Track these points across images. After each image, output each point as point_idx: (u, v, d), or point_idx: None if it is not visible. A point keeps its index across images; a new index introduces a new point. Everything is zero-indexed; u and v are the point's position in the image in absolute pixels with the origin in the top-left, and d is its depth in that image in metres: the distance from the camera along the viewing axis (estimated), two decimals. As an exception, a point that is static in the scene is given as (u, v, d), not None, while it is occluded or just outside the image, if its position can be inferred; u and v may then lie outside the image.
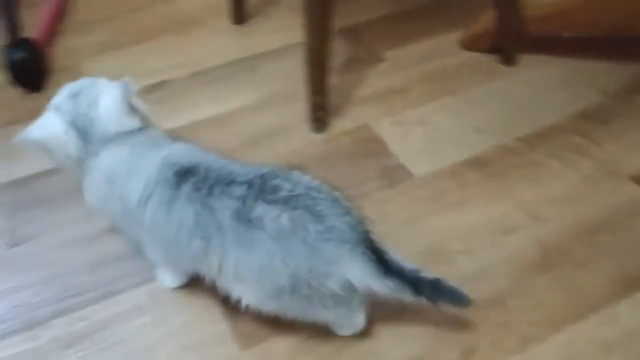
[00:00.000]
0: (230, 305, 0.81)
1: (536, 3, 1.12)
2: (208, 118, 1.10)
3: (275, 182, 0.69)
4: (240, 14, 1.31)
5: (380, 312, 0.79)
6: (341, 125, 1.07)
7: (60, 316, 0.82)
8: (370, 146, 1.04)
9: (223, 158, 0.74)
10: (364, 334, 0.78)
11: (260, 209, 0.66)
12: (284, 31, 1.30)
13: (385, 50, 1.24)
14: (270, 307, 0.71)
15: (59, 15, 1.38)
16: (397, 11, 1.35)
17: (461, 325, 0.79)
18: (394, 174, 0.98)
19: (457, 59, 1.21)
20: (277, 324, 0.79)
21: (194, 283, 0.83)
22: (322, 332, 0.78)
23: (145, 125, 0.78)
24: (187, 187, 0.69)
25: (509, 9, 1.11)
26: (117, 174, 0.74)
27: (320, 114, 1.04)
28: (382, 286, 0.67)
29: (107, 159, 0.75)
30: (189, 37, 1.31)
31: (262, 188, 0.68)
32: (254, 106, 1.13)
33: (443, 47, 1.24)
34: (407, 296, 0.68)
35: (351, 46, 1.24)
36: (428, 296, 0.69)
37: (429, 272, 0.70)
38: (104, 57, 1.26)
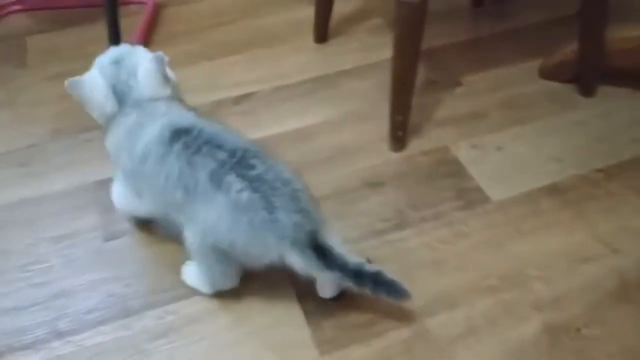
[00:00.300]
0: (312, 312, 0.85)
1: (621, 36, 1.13)
2: (290, 131, 1.16)
3: (253, 160, 0.78)
4: (322, 33, 1.37)
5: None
6: (419, 145, 1.11)
7: (150, 309, 0.88)
8: (448, 168, 1.06)
9: (221, 126, 0.84)
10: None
11: (231, 178, 0.76)
12: (363, 51, 1.35)
13: (463, 75, 1.26)
14: (200, 251, 0.81)
15: (152, 25, 1.47)
16: (476, 37, 1.37)
17: (536, 349, 0.80)
18: (471, 197, 1.01)
19: (535, 87, 1.22)
20: (358, 332, 0.82)
21: (278, 288, 0.87)
22: (401, 342, 0.81)
23: (173, 95, 0.88)
24: (178, 145, 0.79)
25: (593, 41, 1.12)
26: (133, 133, 0.85)
27: (400, 133, 1.07)
28: (325, 277, 0.78)
29: (132, 119, 0.85)
30: (273, 52, 1.37)
31: (240, 160, 0.77)
32: (333, 122, 1.17)
33: (521, 75, 1.25)
34: (349, 285, 0.77)
35: (430, 68, 1.27)
36: (370, 287, 0.77)
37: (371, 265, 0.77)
38: (194, 67, 1.33)
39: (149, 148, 0.82)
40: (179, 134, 0.80)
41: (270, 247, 0.76)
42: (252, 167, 0.77)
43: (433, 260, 0.91)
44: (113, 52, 0.89)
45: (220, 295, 0.88)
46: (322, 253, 0.76)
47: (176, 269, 0.91)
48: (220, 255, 0.80)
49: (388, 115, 1.08)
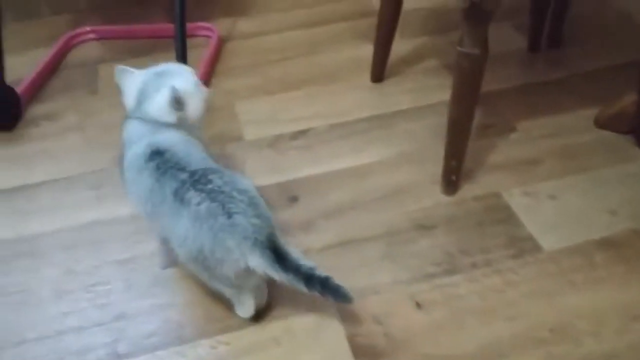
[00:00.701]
0: (361, 348, 0.87)
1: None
2: (344, 169, 1.19)
3: (211, 177, 0.86)
4: (380, 73, 1.41)
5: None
6: (471, 190, 1.12)
7: (204, 337, 0.91)
8: (499, 214, 1.07)
9: (196, 151, 0.93)
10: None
11: (191, 194, 0.84)
12: (419, 92, 1.38)
13: (517, 120, 1.27)
14: (189, 267, 0.90)
15: (217, 57, 1.54)
16: (532, 82, 1.38)
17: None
18: (523, 245, 1.01)
19: (591, 137, 1.22)
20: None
21: (328, 325, 0.90)
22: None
23: (182, 123, 0.96)
24: (152, 164, 0.89)
25: (653, 94, 1.12)
26: (131, 138, 0.96)
27: (454, 177, 1.09)
28: (279, 278, 0.83)
29: (135, 126, 0.97)
30: (331, 89, 1.41)
31: (199, 178, 0.86)
32: (387, 162, 1.20)
33: (577, 123, 1.25)
34: (301, 288, 0.83)
35: (485, 112, 1.29)
36: (318, 290, 0.83)
37: (322, 271, 0.83)
38: (255, 100, 1.39)
39: (134, 159, 0.92)
40: (155, 154, 0.90)
41: (233, 250, 0.83)
42: (210, 181, 0.85)
43: (483, 308, 0.92)
44: (166, 66, 1.00)
45: (270, 329, 0.91)
46: (279, 256, 0.83)
47: (223, 300, 0.94)
48: (215, 273, 0.87)
49: (442, 158, 1.10)
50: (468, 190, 1.12)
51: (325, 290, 0.83)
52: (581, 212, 1.07)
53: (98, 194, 1.17)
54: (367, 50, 1.43)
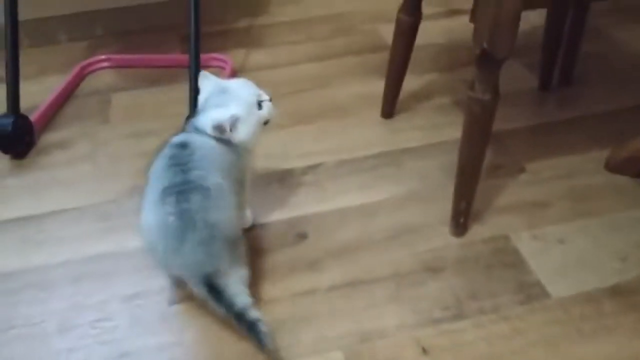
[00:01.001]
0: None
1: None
2: (352, 207, 1.19)
3: (195, 196, 0.89)
4: (390, 109, 1.41)
5: None
6: (480, 232, 1.11)
7: (209, 377, 0.91)
8: (508, 258, 1.06)
9: (216, 165, 0.95)
10: None
11: (171, 199, 0.89)
12: (429, 129, 1.38)
13: (527, 161, 1.27)
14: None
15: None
16: (542, 122, 1.39)
17: None
18: (530, 291, 1.00)
19: (601, 180, 1.22)
20: None
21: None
22: None
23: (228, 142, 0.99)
24: (170, 152, 0.94)
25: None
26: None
27: (462, 219, 1.09)
28: (214, 308, 0.91)
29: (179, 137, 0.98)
30: (341, 124, 1.42)
31: (186, 190, 0.89)
32: (396, 201, 1.20)
33: (587, 165, 1.25)
34: (234, 324, 0.90)
35: (494, 152, 1.29)
36: (245, 330, 0.89)
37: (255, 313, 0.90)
38: (267, 134, 1.36)
39: (166, 145, 0.97)
40: (179, 145, 0.95)
41: (174, 269, 0.95)
42: (189, 200, 0.89)
43: (489, 355, 0.91)
44: (234, 84, 1.03)
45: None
46: (215, 290, 0.90)
47: (234, 338, 0.94)
48: None
49: (451, 198, 1.10)
50: (477, 232, 1.11)
51: (250, 333, 0.89)
52: (591, 257, 1.06)
53: (107, 225, 1.18)
54: (378, 86, 1.44)
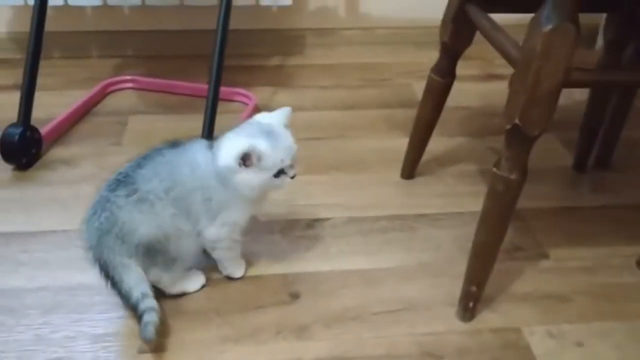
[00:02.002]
0: None
1: None
2: (354, 271, 1.10)
3: (122, 191, 0.92)
4: (410, 170, 1.33)
5: None
6: (489, 320, 1.01)
7: None
8: (517, 354, 0.95)
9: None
10: None
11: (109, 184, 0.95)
12: (448, 197, 1.29)
13: (550, 247, 1.17)
14: None
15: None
16: (572, 206, 1.29)
17: None
18: (538, 398, 0.89)
19: (631, 279, 1.11)
20: None
21: None
22: None
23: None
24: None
25: None
26: None
27: (471, 304, 0.99)
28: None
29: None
30: (356, 179, 1.34)
31: (122, 184, 0.93)
32: (402, 271, 1.10)
33: (617, 260, 1.14)
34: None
35: (515, 232, 1.19)
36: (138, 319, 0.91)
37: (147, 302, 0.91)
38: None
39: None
40: (170, 143, 0.99)
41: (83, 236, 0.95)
42: (117, 191, 0.92)
43: None
44: (285, 134, 0.97)
45: None
46: (111, 280, 0.93)
47: None
48: None
49: (462, 276, 1.00)
50: (486, 320, 1.01)
51: (140, 321, 0.91)
52: (610, 368, 0.95)
53: (93, 255, 1.11)
54: (400, 143, 1.36)
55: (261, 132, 0.93)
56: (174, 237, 0.94)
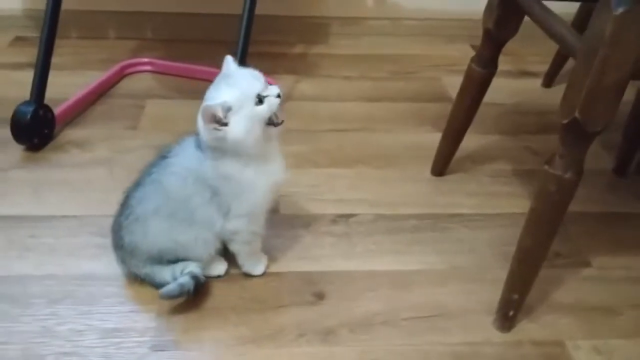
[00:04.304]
0: None
1: None
2: (382, 272, 1.02)
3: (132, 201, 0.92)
4: (442, 167, 1.26)
5: None
6: (530, 331, 0.93)
7: None
8: (561, 370, 0.88)
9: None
10: None
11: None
12: (482, 197, 1.22)
13: (593, 254, 1.09)
14: None
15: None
16: (615, 212, 1.20)
17: None
18: (585, 420, 0.82)
19: (681, 292, 1.03)
20: None
21: None
22: None
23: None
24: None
25: None
26: None
27: (512, 312, 0.91)
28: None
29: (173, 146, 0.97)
30: (383, 174, 1.27)
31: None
32: (434, 274, 1.03)
33: (665, 271, 1.06)
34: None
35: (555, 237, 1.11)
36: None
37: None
38: (301, 172, 1.24)
39: None
40: (160, 156, 0.95)
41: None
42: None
43: None
44: (241, 72, 0.91)
45: None
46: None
47: None
48: None
49: (500, 281, 0.92)
50: (526, 331, 0.93)
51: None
52: (663, 390, 0.87)
53: (104, 242, 1.02)
54: (431, 139, 1.29)
55: (216, 86, 0.89)
56: (175, 247, 0.93)
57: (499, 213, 1.17)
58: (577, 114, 0.75)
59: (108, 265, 0.98)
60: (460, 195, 1.22)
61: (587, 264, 1.07)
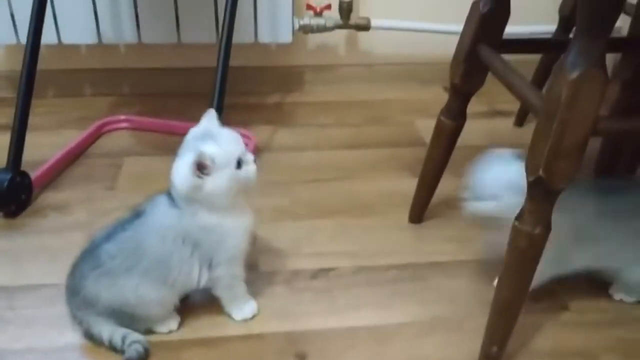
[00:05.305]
0: None
1: None
2: (364, 327, 1.03)
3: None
4: (419, 214, 1.27)
5: None
6: (511, 381, 0.94)
7: None
8: (544, 422, 0.88)
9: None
10: None
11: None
12: (461, 242, 1.23)
13: (569, 297, 1.10)
14: None
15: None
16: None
17: None
18: None
19: (659, 332, 1.04)
20: None
21: None
22: None
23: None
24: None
25: None
26: None
27: (492, 365, 0.92)
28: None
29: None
30: (362, 223, 1.28)
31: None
32: (416, 326, 1.03)
33: (638, 312, 1.08)
34: None
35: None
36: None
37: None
38: (279, 225, 1.26)
39: None
40: (134, 214, 0.97)
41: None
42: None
43: None
44: (225, 133, 0.93)
45: None
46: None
47: None
48: None
49: (482, 329, 0.93)
50: (507, 382, 0.94)
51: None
52: None
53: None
54: (408, 184, 1.30)
55: (200, 139, 0.91)
56: (139, 305, 0.93)
57: (477, 259, 1.19)
58: (541, 173, 0.78)
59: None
60: (439, 242, 1.24)
61: (565, 308, 1.08)
